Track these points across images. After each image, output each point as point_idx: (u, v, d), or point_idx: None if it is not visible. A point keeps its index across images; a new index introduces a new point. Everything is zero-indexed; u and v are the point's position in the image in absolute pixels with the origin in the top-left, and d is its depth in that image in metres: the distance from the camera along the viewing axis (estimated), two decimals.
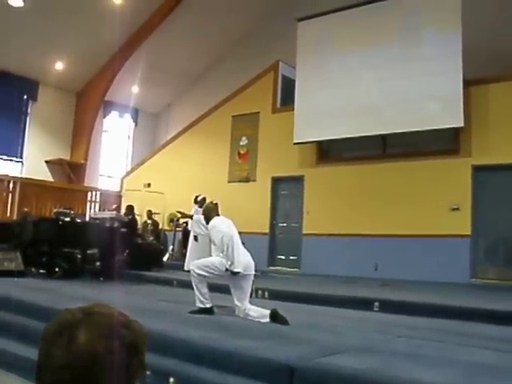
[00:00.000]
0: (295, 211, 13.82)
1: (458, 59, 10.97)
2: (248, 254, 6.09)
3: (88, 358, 1.03)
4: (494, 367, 3.76)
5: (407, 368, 3.55)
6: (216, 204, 11.76)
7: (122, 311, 1.15)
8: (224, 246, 5.88)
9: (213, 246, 6.15)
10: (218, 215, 6.44)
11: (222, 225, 6.16)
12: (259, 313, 5.63)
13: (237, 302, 5.82)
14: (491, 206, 11.05)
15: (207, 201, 11.56)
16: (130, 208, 12.89)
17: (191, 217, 10.33)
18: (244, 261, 5.90)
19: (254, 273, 6.04)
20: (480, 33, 11.65)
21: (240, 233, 6.38)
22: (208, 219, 6.33)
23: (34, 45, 14.88)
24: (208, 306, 5.99)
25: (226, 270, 5.84)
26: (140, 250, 12.01)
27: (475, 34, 11.20)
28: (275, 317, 5.45)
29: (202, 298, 5.98)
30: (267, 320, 5.48)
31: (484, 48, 11.67)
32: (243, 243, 6.27)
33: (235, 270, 5.74)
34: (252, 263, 6.00)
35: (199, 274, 5.99)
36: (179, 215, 11.37)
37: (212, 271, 5.97)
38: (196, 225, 10.27)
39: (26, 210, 13.35)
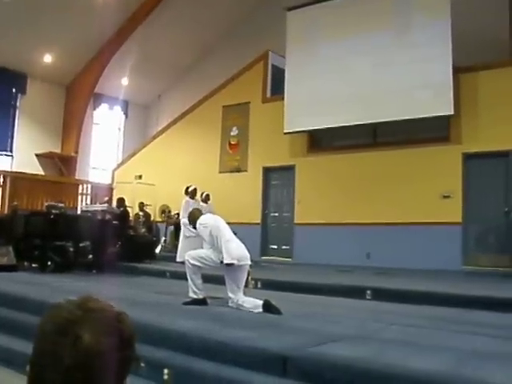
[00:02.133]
0: (287, 201, 13.83)
1: (447, 46, 10.98)
2: (242, 244, 6.06)
3: (96, 356, 1.02)
4: (487, 353, 3.78)
5: (401, 356, 3.56)
6: (207, 195, 11.91)
7: (110, 303, 1.14)
8: (214, 239, 5.88)
9: (204, 243, 6.14)
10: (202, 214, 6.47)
11: (207, 220, 6.16)
12: (252, 303, 5.63)
13: (230, 293, 5.81)
14: (482, 193, 11.11)
15: (198, 191, 11.64)
16: (121, 200, 12.87)
17: (180, 221, 10.61)
18: (237, 252, 5.87)
19: (249, 263, 6.02)
20: (469, 20, 11.64)
21: (232, 223, 6.38)
22: (194, 222, 6.30)
23: (22, 37, 14.73)
24: (201, 296, 5.99)
25: (221, 262, 5.84)
26: (132, 242, 12.01)
27: (464, 22, 11.20)
28: (268, 307, 5.45)
29: (195, 288, 5.99)
30: (260, 310, 5.48)
31: (473, 35, 11.66)
32: (235, 233, 6.27)
33: (227, 262, 5.73)
34: (246, 254, 5.95)
35: (194, 265, 5.99)
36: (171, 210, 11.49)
37: (207, 262, 5.97)
38: (185, 228, 10.36)
39: (15, 203, 13.26)
